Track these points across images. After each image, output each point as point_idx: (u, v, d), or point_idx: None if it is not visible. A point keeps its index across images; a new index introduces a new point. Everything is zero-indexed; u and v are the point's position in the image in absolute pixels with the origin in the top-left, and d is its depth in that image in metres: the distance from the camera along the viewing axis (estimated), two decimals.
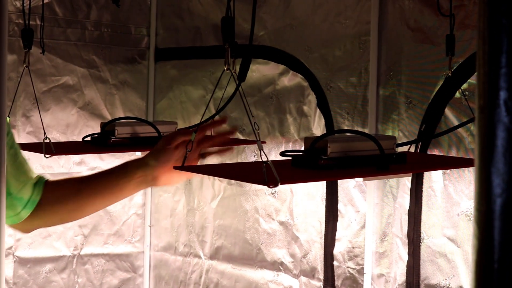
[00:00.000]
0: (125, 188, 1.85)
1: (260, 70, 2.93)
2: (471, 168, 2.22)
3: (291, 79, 2.84)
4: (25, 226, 1.80)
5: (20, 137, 3.00)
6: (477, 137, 0.76)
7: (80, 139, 2.73)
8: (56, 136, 3.09)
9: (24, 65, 2.62)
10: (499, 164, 0.76)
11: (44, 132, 2.52)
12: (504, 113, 0.74)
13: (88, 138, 2.59)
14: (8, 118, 1.70)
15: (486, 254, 0.81)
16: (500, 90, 0.73)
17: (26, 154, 2.98)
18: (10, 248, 3.03)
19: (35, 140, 3.00)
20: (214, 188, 3.16)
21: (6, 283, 2.93)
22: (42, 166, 3.11)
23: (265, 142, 2.80)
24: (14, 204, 1.77)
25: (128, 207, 3.35)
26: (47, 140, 2.34)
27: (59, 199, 1.71)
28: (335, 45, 2.69)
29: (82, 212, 1.90)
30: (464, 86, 2.30)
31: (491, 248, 0.80)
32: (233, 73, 1.79)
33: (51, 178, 1.76)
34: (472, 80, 2.28)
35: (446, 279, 2.38)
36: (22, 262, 3.08)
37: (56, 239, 3.16)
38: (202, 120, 2.18)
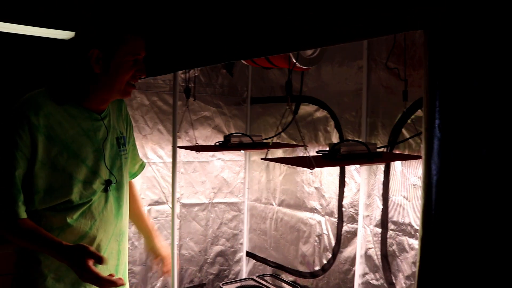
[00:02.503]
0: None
1: (305, 108, 2.92)
2: (418, 160, 2.17)
3: (321, 113, 2.82)
4: None
5: (184, 143, 3.05)
6: (424, 143, 0.76)
7: (213, 144, 2.78)
8: (200, 142, 3.14)
9: (185, 107, 2.68)
10: (435, 157, 0.75)
11: (195, 141, 2.57)
12: (438, 131, 0.74)
13: (217, 143, 2.64)
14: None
15: (428, 205, 0.80)
16: (436, 119, 0.72)
17: (184, 151, 3.04)
18: (179, 198, 3.10)
19: (190, 144, 3.06)
20: (280, 169, 3.16)
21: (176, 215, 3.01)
22: (194, 157, 3.17)
23: (308, 146, 2.80)
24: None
25: (236, 178, 3.35)
26: (196, 144, 2.38)
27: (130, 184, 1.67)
28: (344, 95, 2.66)
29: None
30: (412, 117, 2.25)
31: (430, 203, 0.80)
32: (291, 110, 1.80)
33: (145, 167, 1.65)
34: (417, 114, 2.23)
35: (402, 218, 2.33)
36: (183, 205, 3.14)
37: (200, 194, 3.21)
38: (275, 134, 2.17)
